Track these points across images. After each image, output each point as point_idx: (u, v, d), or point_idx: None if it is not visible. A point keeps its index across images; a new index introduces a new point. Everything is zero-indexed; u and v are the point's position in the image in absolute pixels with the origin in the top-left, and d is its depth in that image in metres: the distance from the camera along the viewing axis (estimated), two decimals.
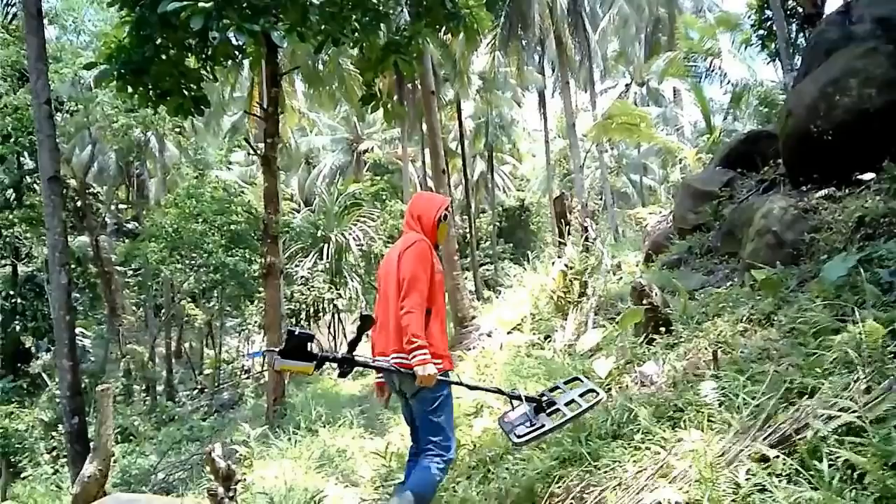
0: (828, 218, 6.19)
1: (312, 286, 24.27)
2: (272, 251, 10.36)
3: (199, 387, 28.46)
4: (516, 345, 8.53)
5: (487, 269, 34.74)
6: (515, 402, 3.67)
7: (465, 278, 33.48)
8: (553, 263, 10.17)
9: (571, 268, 9.11)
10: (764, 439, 2.74)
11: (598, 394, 3.63)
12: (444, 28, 10.42)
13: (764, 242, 6.48)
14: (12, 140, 19.23)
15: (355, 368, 3.48)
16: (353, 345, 3.37)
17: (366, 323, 3.31)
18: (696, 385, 3.98)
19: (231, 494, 3.73)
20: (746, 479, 2.53)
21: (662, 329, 5.41)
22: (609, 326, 6.43)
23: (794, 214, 6.44)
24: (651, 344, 5.32)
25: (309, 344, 3.29)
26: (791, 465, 2.58)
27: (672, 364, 4.70)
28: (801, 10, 15.47)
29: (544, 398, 3.66)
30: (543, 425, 3.54)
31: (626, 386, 4.77)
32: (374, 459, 6.29)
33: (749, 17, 20.94)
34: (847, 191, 6.54)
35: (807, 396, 3.04)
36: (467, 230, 32.63)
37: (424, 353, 3.30)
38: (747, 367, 3.81)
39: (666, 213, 12.31)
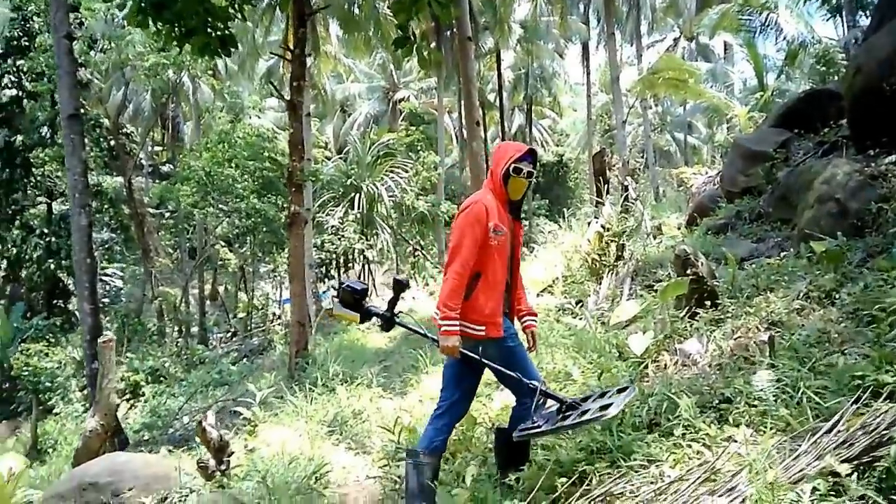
0: None
1: (343, 236, 24.04)
2: (296, 200, 10.01)
3: (232, 330, 28.74)
4: (546, 308, 8.09)
5: (524, 225, 33.98)
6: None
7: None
8: (589, 224, 9.65)
9: (608, 229, 8.60)
10: (834, 450, 2.28)
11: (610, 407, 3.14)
12: None
13: (825, 210, 5.90)
14: (46, 78, 19.05)
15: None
16: (392, 304, 3.52)
17: (400, 287, 3.50)
18: (746, 372, 3.53)
19: (223, 468, 3.43)
20: (811, 501, 2.09)
21: (707, 302, 4.92)
22: (647, 296, 5.96)
23: (859, 181, 5.83)
24: (694, 318, 4.85)
25: (362, 295, 3.56)
26: (867, 484, 2.14)
27: (718, 343, 4.24)
28: None
29: (568, 400, 3.31)
30: (540, 425, 3.27)
31: (665, 365, 4.33)
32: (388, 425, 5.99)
33: None
34: None
35: (884, 398, 2.57)
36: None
37: (451, 324, 3.24)
38: (807, 354, 3.34)
39: (713, 174, 11.64)
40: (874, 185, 5.74)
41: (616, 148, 22.62)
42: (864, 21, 18.51)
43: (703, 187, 11.29)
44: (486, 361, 3.33)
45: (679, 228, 10.25)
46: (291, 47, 10.08)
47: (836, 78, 14.57)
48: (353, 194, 24.87)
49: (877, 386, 2.64)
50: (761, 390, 2.91)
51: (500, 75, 29.43)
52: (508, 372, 3.37)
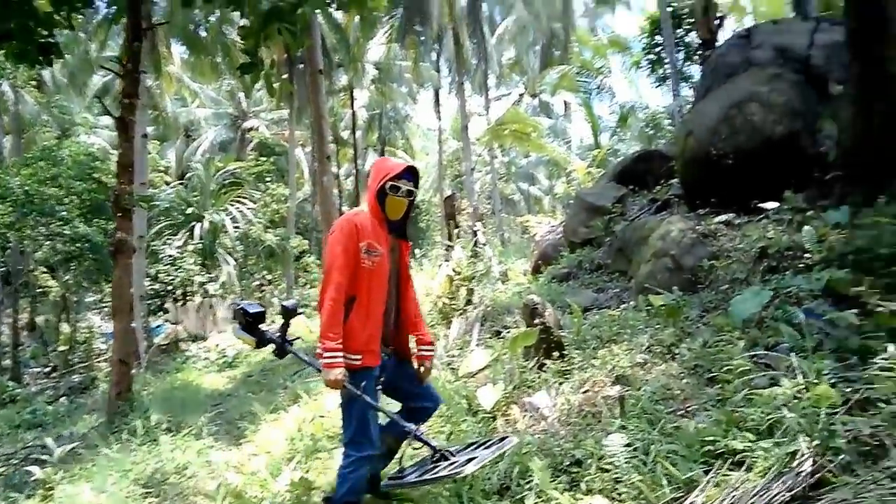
0: (727, 245, 5.95)
1: (181, 267, 22.47)
2: (123, 226, 9.06)
3: (51, 366, 25.73)
4: None
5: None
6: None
7: None
8: (440, 266, 9.58)
9: (458, 273, 8.55)
10: None
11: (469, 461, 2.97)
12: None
13: (661, 265, 6.17)
14: None
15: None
16: (283, 330, 3.38)
17: (288, 313, 3.34)
18: (596, 431, 3.45)
19: None
20: None
21: (555, 353, 4.89)
22: (496, 345, 5.87)
23: (692, 238, 6.16)
24: (542, 369, 4.79)
25: (256, 319, 3.43)
26: None
27: (566, 397, 4.17)
28: (696, 34, 15.80)
29: (442, 450, 3.13)
30: (408, 476, 3.12)
31: (514, 419, 4.19)
32: (217, 480, 5.37)
33: (640, 40, 21.48)
34: (746, 218, 6.36)
35: (733, 464, 2.55)
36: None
37: (333, 356, 3.01)
38: (656, 414, 3.31)
39: (556, 223, 12.06)
40: (705, 242, 6.09)
41: (466, 193, 23.12)
42: (687, 91, 20.47)
43: (547, 236, 11.64)
44: (365, 396, 3.06)
45: (525, 275, 10.44)
46: (124, 62, 9.28)
47: (662, 141, 15.82)
48: (194, 223, 23.42)
49: (727, 452, 2.61)
50: (613, 456, 2.81)
51: (353, 113, 29.36)
52: (384, 409, 3.15)
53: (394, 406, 3.49)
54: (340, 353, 3.02)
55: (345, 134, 32.20)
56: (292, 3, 9.09)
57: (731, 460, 2.57)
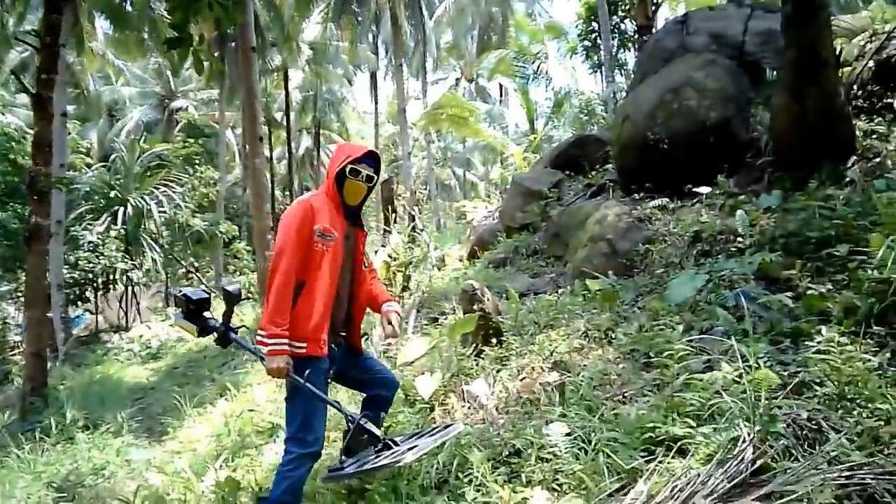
0: (662, 229, 5.99)
1: (103, 254, 21.42)
2: (39, 210, 8.58)
3: None
4: None
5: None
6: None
7: None
8: (376, 252, 9.38)
9: (395, 258, 8.39)
10: None
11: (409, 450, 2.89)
12: None
13: (597, 250, 6.16)
14: None
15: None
16: (226, 317, 3.22)
17: (231, 299, 3.17)
18: (533, 417, 3.38)
19: None
20: None
21: (493, 340, 4.80)
22: (434, 332, 5.75)
23: (628, 223, 6.18)
24: (480, 357, 4.69)
25: (199, 306, 3.24)
26: None
27: (504, 384, 4.09)
28: (632, 21, 15.98)
29: (386, 439, 3.03)
30: (346, 467, 3.03)
31: (453, 408, 4.08)
32: (137, 482, 5.09)
33: (576, 26, 21.62)
34: (680, 203, 6.43)
35: (675, 451, 2.50)
36: (289, 206, 30.92)
37: (278, 343, 2.88)
38: (595, 401, 3.26)
39: (492, 208, 12.02)
40: (641, 227, 6.12)
41: (402, 178, 22.89)
42: (620, 78, 20.75)
43: (483, 221, 11.59)
44: (308, 385, 2.90)
45: (461, 260, 10.36)
46: (42, 35, 8.70)
47: (595, 128, 15.94)
48: (117, 207, 22.36)
49: (669, 439, 2.56)
50: (554, 446, 2.72)
51: (287, 94, 28.62)
52: (328, 399, 3.00)
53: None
54: (286, 341, 2.90)
55: (278, 115, 31.43)
56: None
57: (672, 447, 2.52)
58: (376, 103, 33.20)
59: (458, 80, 37.85)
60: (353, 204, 3.25)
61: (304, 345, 2.98)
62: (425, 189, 33.77)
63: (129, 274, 22.85)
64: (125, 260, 22.08)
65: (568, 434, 2.80)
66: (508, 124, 38.27)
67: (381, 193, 10.29)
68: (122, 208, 22.26)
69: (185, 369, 11.89)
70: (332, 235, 3.07)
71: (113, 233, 21.81)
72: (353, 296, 3.36)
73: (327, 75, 30.31)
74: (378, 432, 3.10)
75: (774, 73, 5.91)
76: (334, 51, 28.20)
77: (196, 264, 25.73)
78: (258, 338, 2.98)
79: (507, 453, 3.06)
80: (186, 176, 25.18)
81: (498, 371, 4.40)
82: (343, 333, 3.33)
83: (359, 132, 44.28)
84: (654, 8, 13.74)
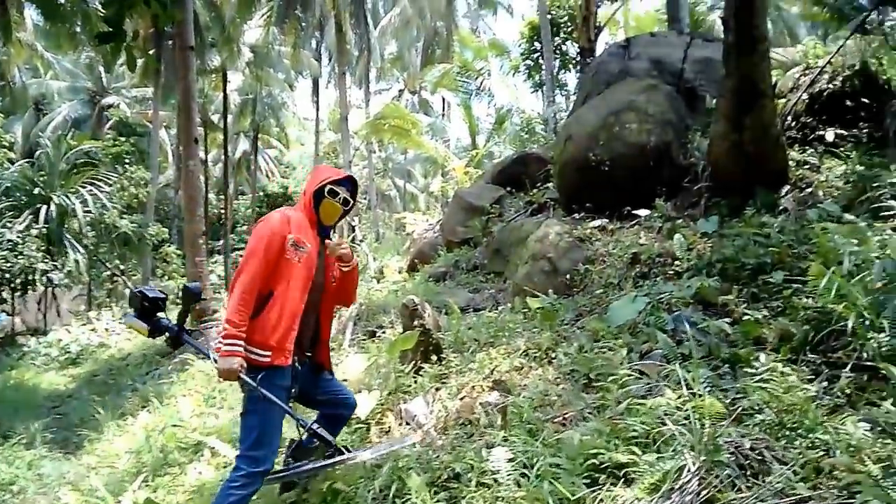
0: (602, 250, 6.03)
1: (22, 253, 20.30)
2: None
3: None
4: None
5: (241, 255, 32.41)
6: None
7: (215, 262, 31.03)
8: None
9: None
10: None
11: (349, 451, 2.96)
12: None
13: (538, 268, 6.15)
14: None
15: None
16: (181, 318, 3.14)
17: (190, 297, 3.13)
18: (473, 439, 3.29)
19: None
20: None
21: (433, 356, 4.71)
22: (372, 347, 5.61)
23: (569, 242, 6.20)
24: (419, 374, 4.59)
25: (154, 305, 3.16)
26: None
27: (444, 403, 4.00)
28: (574, 43, 16.28)
29: (340, 446, 3.03)
30: (292, 469, 3.04)
31: (390, 428, 3.96)
32: (49, 498, 4.75)
33: (519, 46, 21.93)
34: (619, 224, 6.50)
35: (618, 479, 2.45)
36: (223, 211, 30.18)
37: (233, 344, 2.83)
38: (536, 423, 3.20)
39: (433, 221, 11.96)
40: (581, 246, 6.14)
41: None
42: (561, 99, 21.13)
43: (424, 234, 11.52)
44: (263, 391, 2.83)
45: (400, 273, 10.25)
46: None
47: (535, 146, 16.11)
48: (39, 205, 21.27)
49: (612, 466, 2.52)
50: (497, 472, 2.64)
51: (225, 96, 27.94)
52: (284, 406, 2.91)
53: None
54: (241, 343, 2.85)
55: (215, 118, 30.64)
56: None
57: (616, 475, 2.48)
58: (318, 110, 32.79)
59: (401, 91, 37.84)
60: (328, 223, 3.28)
61: (269, 354, 2.95)
62: (365, 199, 33.52)
63: (49, 275, 21.73)
64: (46, 260, 20.99)
65: (510, 460, 2.72)
66: (450, 138, 38.42)
67: None
68: (45, 206, 21.20)
69: (105, 377, 11.31)
70: (306, 248, 3.08)
71: (34, 231, 20.72)
72: (322, 314, 3.33)
73: (268, 79, 29.73)
74: (331, 438, 3.03)
75: (714, 100, 6.05)
76: (276, 55, 27.73)
77: (122, 267, 24.70)
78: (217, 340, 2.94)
79: (446, 477, 2.97)
80: (115, 175, 24.19)
81: (437, 389, 4.31)
82: (308, 353, 3.29)
83: (299, 138, 43.71)
84: (596, 31, 14.01)
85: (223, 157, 29.03)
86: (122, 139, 26.61)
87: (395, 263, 11.28)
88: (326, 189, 3.20)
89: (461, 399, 4.03)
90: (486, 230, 8.93)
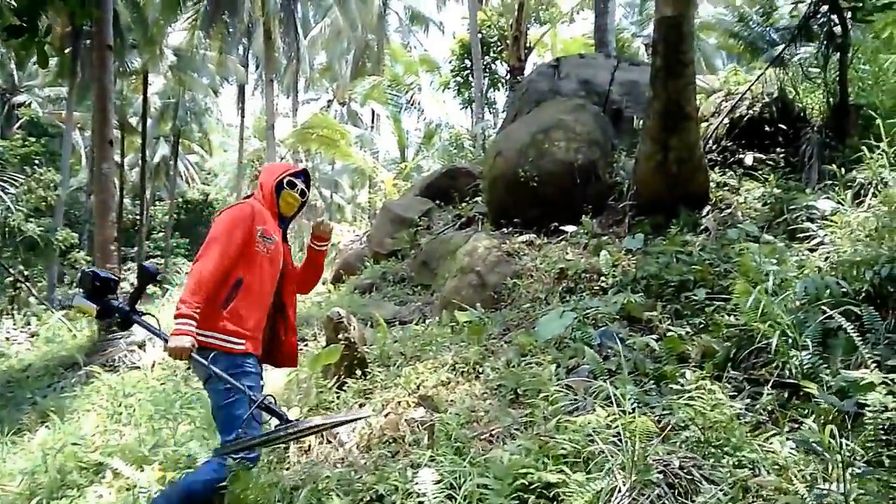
0: (530, 264, 6.03)
1: None
2: None
3: None
4: (174, 366, 7.01)
5: (157, 263, 31.26)
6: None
7: (128, 269, 29.67)
8: None
9: None
10: None
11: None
12: None
13: (466, 281, 6.10)
14: None
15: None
16: (133, 298, 2.97)
17: (146, 277, 3.00)
18: (398, 459, 3.16)
19: None
20: None
21: (357, 371, 4.55)
22: None
23: (497, 256, 6.18)
24: (342, 389, 4.42)
25: (105, 286, 2.94)
26: None
27: (367, 421, 3.84)
28: (504, 62, 16.51)
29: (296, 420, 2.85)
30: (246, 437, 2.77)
31: (310, 446, 3.77)
32: None
33: (450, 62, 22.13)
34: (547, 239, 6.53)
35: (551, 501, 2.38)
36: (138, 216, 28.98)
37: (185, 323, 2.69)
38: (463, 440, 3.10)
39: (360, 233, 11.77)
40: (509, 261, 6.13)
41: None
42: (489, 116, 21.38)
43: (350, 245, 11.33)
44: (215, 370, 2.71)
45: (325, 284, 10.01)
46: None
47: (463, 161, 16.19)
48: None
49: (542, 486, 2.44)
50: (424, 495, 2.51)
51: (145, 99, 26.92)
52: (238, 385, 2.76)
53: None
54: (193, 323, 2.72)
55: (133, 121, 29.47)
56: None
57: (546, 495, 2.40)
58: (243, 117, 31.99)
59: (330, 101, 37.49)
60: (287, 215, 3.30)
61: (244, 342, 2.91)
62: None
63: None
64: None
65: (437, 481, 2.61)
66: (379, 150, 38.28)
67: None
68: None
69: (3, 390, 10.52)
70: (273, 239, 3.08)
71: None
72: (285, 308, 3.29)
73: (191, 83, 28.89)
74: (285, 414, 2.84)
75: (640, 121, 6.19)
76: (201, 59, 26.97)
77: (26, 273, 23.27)
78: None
79: (369, 499, 2.82)
80: (23, 177, 22.85)
81: (361, 405, 4.15)
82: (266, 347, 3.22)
83: (222, 144, 42.59)
84: (525, 52, 14.25)
85: (140, 161, 27.91)
86: (33, 140, 25.17)
87: None
88: (285, 181, 3.23)
89: (386, 416, 3.89)
90: (415, 242, 8.85)
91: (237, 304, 2.91)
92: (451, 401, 3.92)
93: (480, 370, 4.34)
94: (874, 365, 2.77)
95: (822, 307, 3.32)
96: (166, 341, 2.73)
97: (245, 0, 22.54)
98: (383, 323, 5.40)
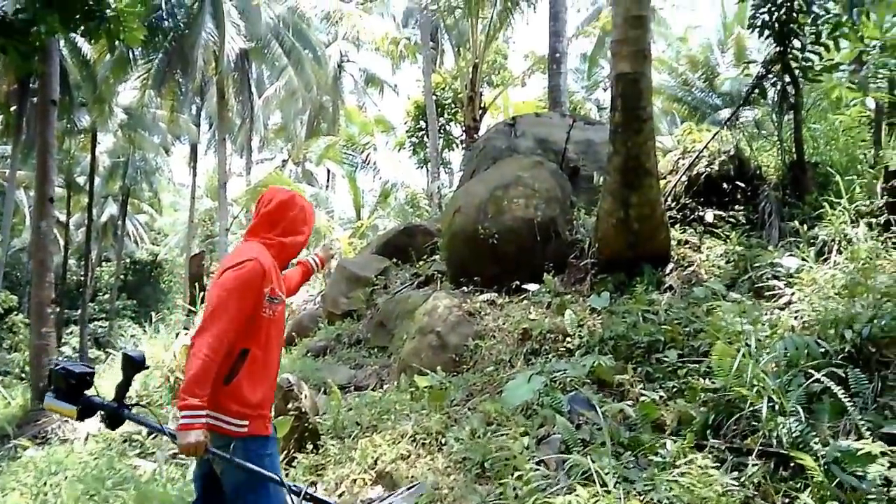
0: (492, 325, 5.79)
1: None
2: None
3: None
4: (107, 438, 6.49)
5: (101, 326, 30.04)
6: None
7: (70, 333, 28.35)
8: (177, 335, 8.37)
9: None
10: None
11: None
12: (80, 27, 8.24)
13: (426, 343, 5.81)
14: None
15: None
16: (120, 391, 2.52)
17: (133, 366, 2.49)
18: None
19: None
20: None
21: (309, 444, 4.20)
22: None
23: (458, 316, 5.93)
24: (292, 465, 4.05)
25: (81, 382, 2.49)
26: None
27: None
28: (460, 122, 16.66)
29: None
30: None
31: None
32: None
33: (405, 123, 22.36)
34: (508, 298, 6.32)
35: None
36: (82, 277, 27.93)
37: (193, 416, 2.33)
38: None
39: (314, 292, 11.40)
40: (471, 321, 5.88)
41: (218, 255, 21.57)
42: (445, 176, 21.49)
43: (303, 305, 10.94)
44: (241, 462, 2.39)
45: None
46: None
47: (418, 220, 16.09)
48: None
49: None
50: None
51: (93, 157, 26.26)
52: (271, 475, 2.42)
53: None
54: (204, 413, 2.37)
55: (81, 179, 28.70)
56: (25, 20, 7.68)
57: None
58: (194, 176, 31.48)
59: (285, 161, 37.35)
60: (286, 264, 2.87)
61: (247, 423, 2.49)
62: None
63: None
64: None
65: None
66: (334, 209, 38.06)
67: (190, 269, 9.33)
68: None
69: None
70: (279, 298, 2.66)
71: None
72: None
73: (142, 142, 28.39)
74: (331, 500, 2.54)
75: (601, 178, 6.12)
76: (152, 118, 26.62)
77: None
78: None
79: None
80: None
81: (313, 483, 3.80)
82: None
83: (172, 204, 41.92)
84: (480, 112, 14.42)
85: (87, 220, 27.06)
86: None
87: None
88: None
89: (340, 495, 3.54)
90: (371, 302, 8.55)
91: (240, 380, 2.52)
92: (412, 477, 3.61)
93: (443, 441, 4.04)
94: (868, 433, 2.58)
95: (805, 369, 3.16)
96: (173, 437, 2.39)
97: (198, 59, 22.37)
98: (337, 390, 5.08)
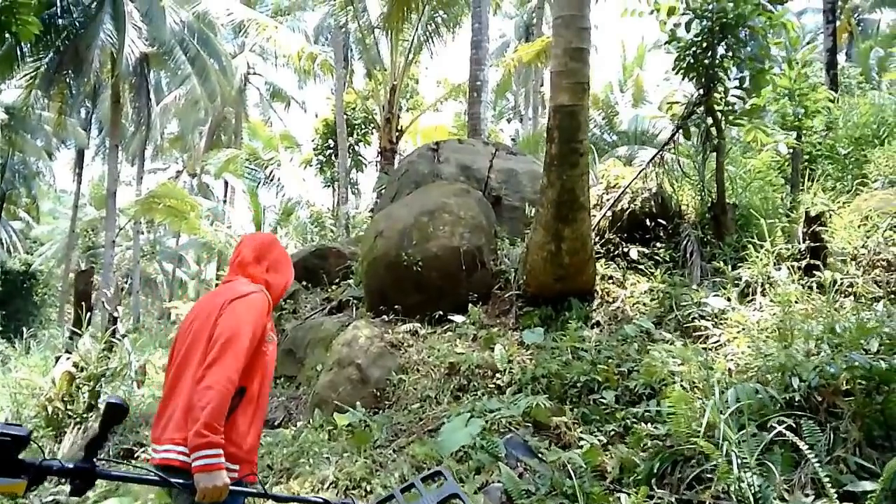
0: (416, 357, 5.51)
1: None
2: None
3: None
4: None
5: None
6: None
7: None
8: (58, 359, 7.54)
9: (83, 369, 6.76)
10: None
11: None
12: None
13: (345, 376, 5.44)
14: None
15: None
16: (93, 446, 1.93)
17: (113, 414, 1.90)
18: None
19: None
20: None
21: None
22: (134, 486, 4.42)
23: (380, 347, 5.61)
24: None
25: (20, 446, 1.73)
26: None
27: None
28: (367, 146, 16.43)
29: None
30: None
31: None
32: None
33: (313, 141, 21.90)
34: (431, 329, 6.05)
35: None
36: None
37: (216, 454, 2.05)
38: None
39: None
40: (393, 353, 5.58)
41: (102, 269, 20.10)
42: (353, 197, 21.11)
43: None
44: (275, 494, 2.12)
45: (164, 371, 8.82)
46: None
47: (324, 241, 15.61)
48: None
49: None
50: None
51: None
52: None
53: None
54: (222, 452, 2.08)
55: None
56: None
57: None
58: (79, 183, 29.44)
59: (179, 172, 35.74)
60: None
61: (237, 467, 2.22)
62: (128, 283, 30.23)
63: None
64: None
65: None
66: (233, 225, 36.62)
67: (76, 286, 8.48)
68: None
69: None
70: (272, 337, 2.49)
71: None
72: None
73: (23, 145, 26.27)
74: None
75: (534, 210, 6.01)
76: (37, 119, 24.68)
77: None
78: (167, 452, 2.13)
79: None
80: None
81: None
82: None
83: (52, 211, 39.11)
84: (397, 134, 14.22)
85: None
86: None
87: (160, 360, 9.74)
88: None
89: None
90: (278, 328, 8.04)
91: (236, 417, 2.24)
92: None
93: (369, 489, 3.70)
94: (833, 490, 2.49)
95: (755, 418, 3.08)
96: (184, 485, 2.01)
97: (94, 60, 20.89)
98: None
